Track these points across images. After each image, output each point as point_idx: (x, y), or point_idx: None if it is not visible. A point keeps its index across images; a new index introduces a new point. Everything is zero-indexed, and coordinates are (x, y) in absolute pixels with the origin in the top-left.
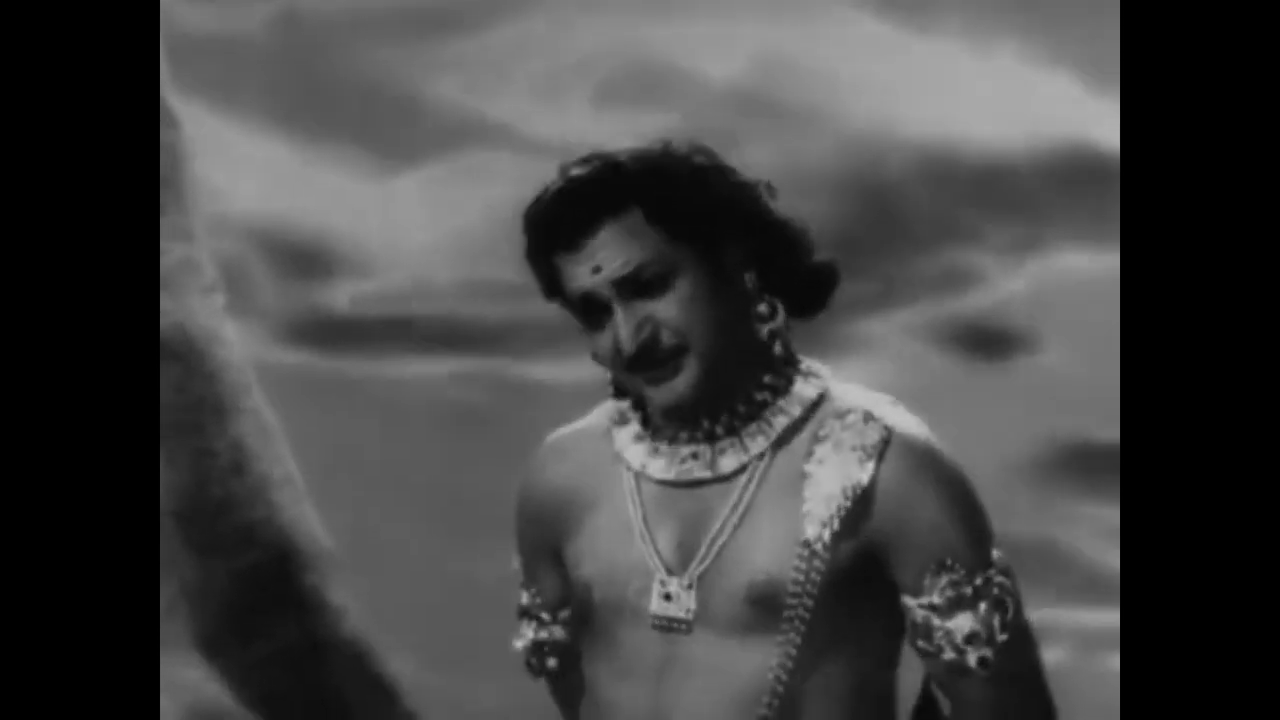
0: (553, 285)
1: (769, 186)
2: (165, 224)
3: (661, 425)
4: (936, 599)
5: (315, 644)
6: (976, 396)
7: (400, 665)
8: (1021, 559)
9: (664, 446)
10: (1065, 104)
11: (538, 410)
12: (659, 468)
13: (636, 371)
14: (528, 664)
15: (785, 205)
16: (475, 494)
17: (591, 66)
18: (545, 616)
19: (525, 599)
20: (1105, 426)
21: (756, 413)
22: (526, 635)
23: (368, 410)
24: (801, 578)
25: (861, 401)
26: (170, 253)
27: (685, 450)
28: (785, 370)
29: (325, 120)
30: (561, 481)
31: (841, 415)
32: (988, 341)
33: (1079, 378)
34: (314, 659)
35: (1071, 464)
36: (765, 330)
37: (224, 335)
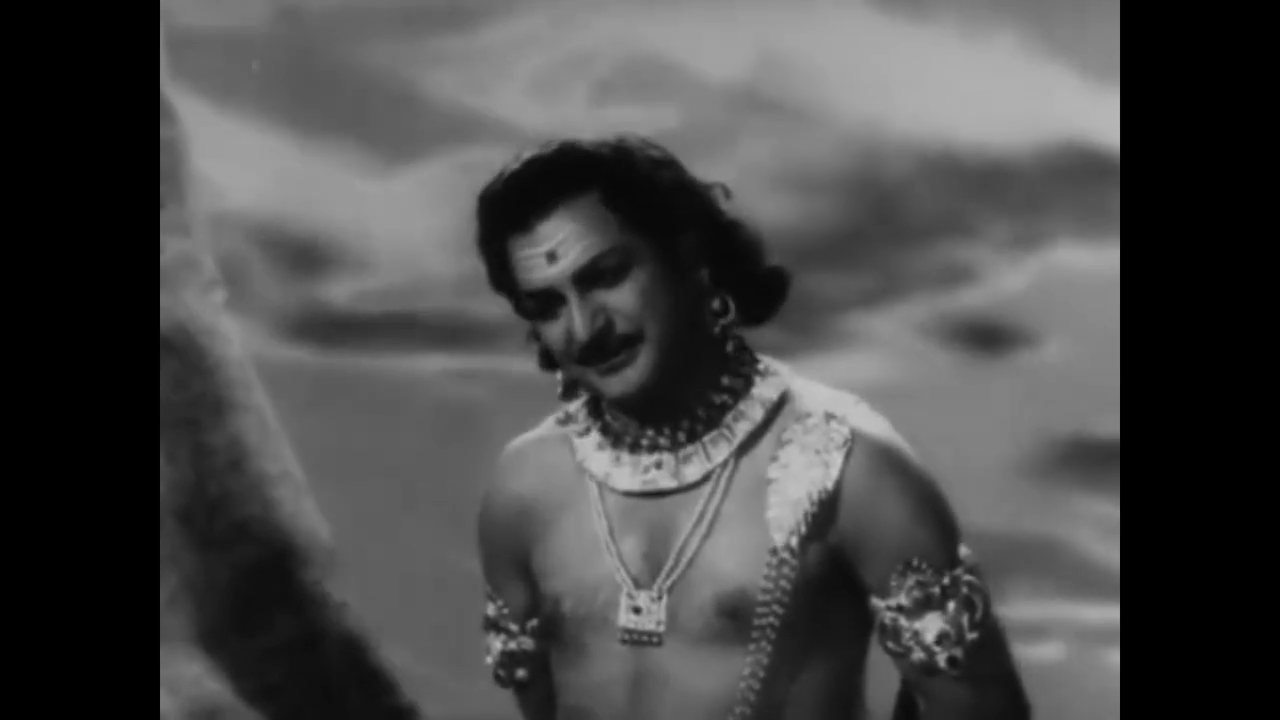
0: (501, 275)
1: (724, 188)
2: (164, 219)
3: (619, 427)
4: (904, 600)
5: (315, 638)
6: (976, 392)
7: (399, 658)
8: (1020, 554)
9: (626, 456)
10: (1064, 98)
11: (537, 407)
12: (622, 477)
13: (590, 362)
14: (496, 675)
15: (779, 203)
16: (474, 490)
17: (591, 63)
18: (513, 628)
19: (492, 610)
20: (1104, 421)
21: (717, 418)
22: (495, 647)
23: (368, 406)
24: (771, 586)
25: (823, 401)
26: (169, 248)
27: (648, 459)
28: (743, 370)
29: (325, 116)
30: (525, 491)
31: (803, 418)
32: (987, 337)
33: (1078, 373)
34: (313, 652)
35: (1071, 459)
36: (719, 326)
37: (223, 331)
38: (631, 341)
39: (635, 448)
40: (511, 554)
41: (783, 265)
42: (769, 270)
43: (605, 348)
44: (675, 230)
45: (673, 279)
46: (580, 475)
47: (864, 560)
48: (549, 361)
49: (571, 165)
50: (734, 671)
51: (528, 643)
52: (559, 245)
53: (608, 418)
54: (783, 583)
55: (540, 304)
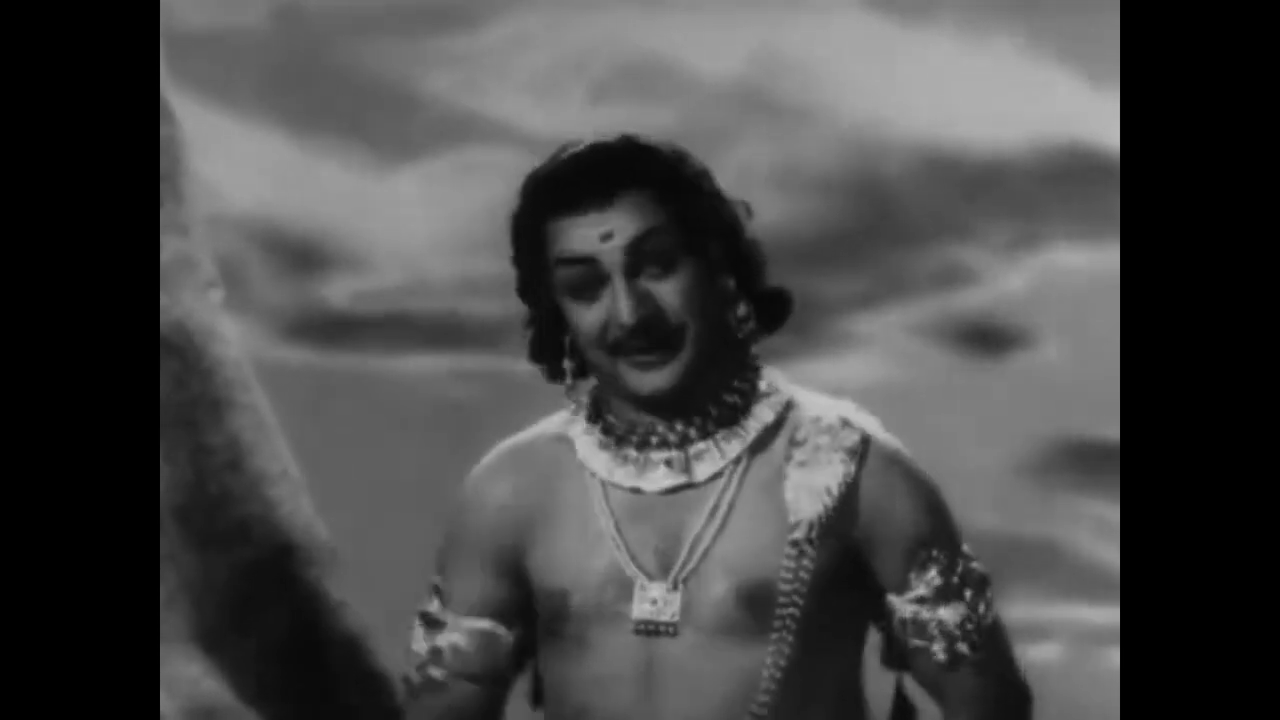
0: (532, 258)
1: (747, 206)
2: (163, 219)
3: (622, 428)
4: (924, 590)
5: (313, 638)
6: (975, 394)
7: (397, 659)
8: (1020, 555)
9: (632, 453)
10: (1064, 100)
11: (536, 407)
12: (628, 475)
13: (626, 350)
14: (415, 670)
15: (778, 203)
16: None
17: (589, 63)
18: (449, 620)
19: (434, 606)
20: (1104, 423)
21: (729, 417)
22: (422, 644)
23: (366, 406)
24: (791, 577)
25: (830, 406)
26: (168, 248)
27: (657, 456)
28: (749, 375)
29: (324, 116)
30: (518, 491)
31: (816, 420)
32: (986, 339)
33: (1077, 375)
34: (312, 653)
35: (1070, 461)
36: (744, 331)
37: (222, 331)
38: (676, 335)
39: (643, 445)
40: (499, 554)
41: (786, 288)
42: (777, 290)
43: (650, 335)
44: (711, 236)
45: (710, 282)
46: (580, 474)
47: (879, 556)
48: (539, 354)
49: (634, 157)
50: (751, 663)
51: (458, 638)
52: (615, 226)
53: (609, 417)
54: (802, 574)
55: (580, 281)
